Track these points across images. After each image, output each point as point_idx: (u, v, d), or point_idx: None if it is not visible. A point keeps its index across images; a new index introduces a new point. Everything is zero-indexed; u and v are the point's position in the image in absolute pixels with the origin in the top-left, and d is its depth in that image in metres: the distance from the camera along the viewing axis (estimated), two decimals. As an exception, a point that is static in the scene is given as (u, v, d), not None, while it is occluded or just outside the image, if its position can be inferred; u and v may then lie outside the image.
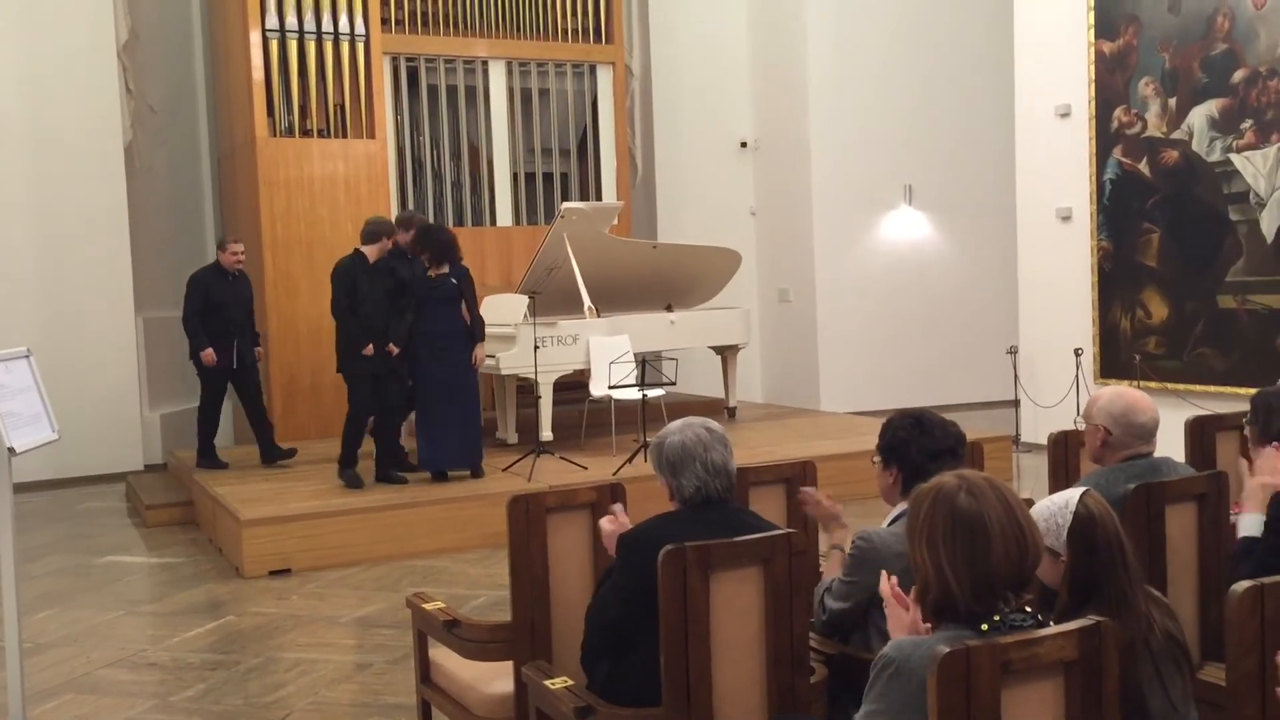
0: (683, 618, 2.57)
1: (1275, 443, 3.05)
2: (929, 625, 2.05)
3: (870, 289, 11.53)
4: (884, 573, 2.26)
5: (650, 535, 2.73)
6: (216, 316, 8.03)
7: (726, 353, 9.67)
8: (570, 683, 2.86)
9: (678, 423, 2.93)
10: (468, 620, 3.40)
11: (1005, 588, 1.97)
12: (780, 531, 2.75)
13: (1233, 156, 7.84)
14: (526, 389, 8.55)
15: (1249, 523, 2.88)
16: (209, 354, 8.04)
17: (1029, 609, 1.98)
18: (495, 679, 3.32)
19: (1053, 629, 1.93)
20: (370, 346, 7.09)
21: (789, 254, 11.80)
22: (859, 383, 11.30)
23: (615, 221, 9.43)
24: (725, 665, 2.65)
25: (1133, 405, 3.23)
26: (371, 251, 7.23)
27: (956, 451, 2.92)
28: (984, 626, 1.94)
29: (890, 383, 11.13)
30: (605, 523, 3.00)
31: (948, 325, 11.58)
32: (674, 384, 7.94)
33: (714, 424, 2.92)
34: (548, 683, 2.87)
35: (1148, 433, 3.23)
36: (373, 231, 7.31)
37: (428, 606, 3.52)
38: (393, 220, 7.90)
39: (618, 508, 3.06)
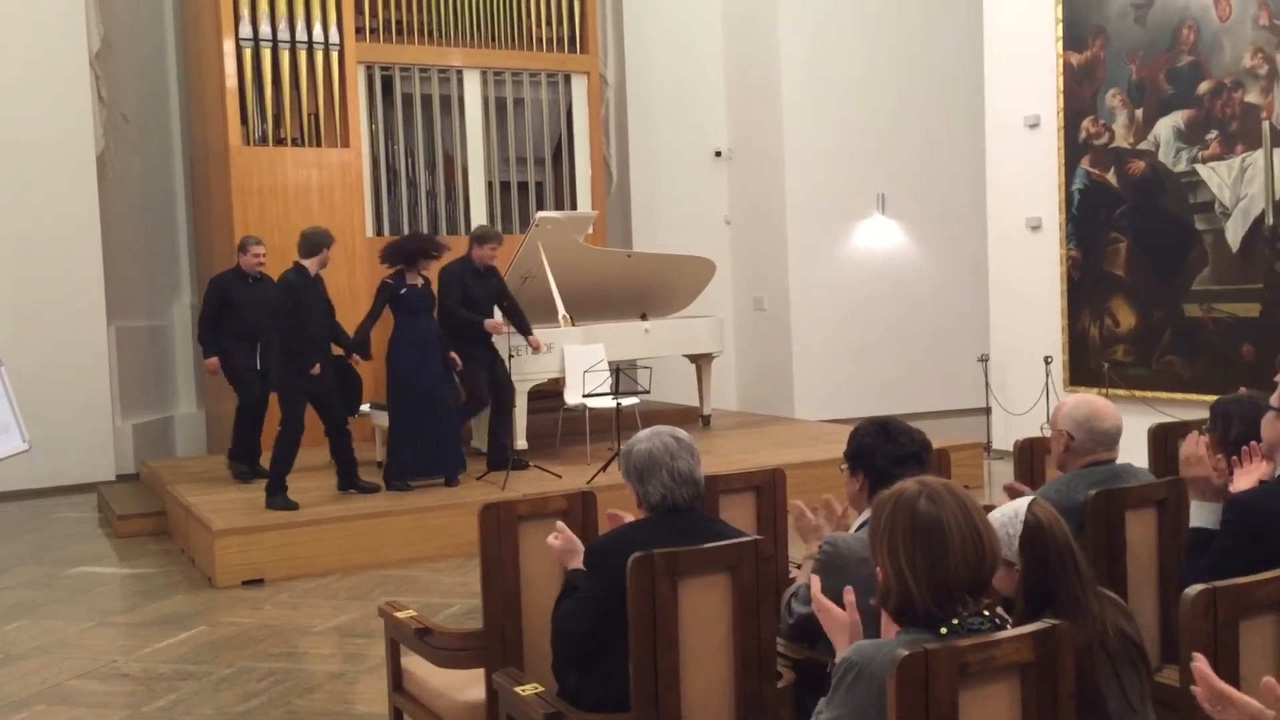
0: (651, 624, 2.61)
1: (1196, 431, 3.12)
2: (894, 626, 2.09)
3: (844, 297, 11.60)
4: (814, 578, 2.30)
5: (618, 543, 2.77)
6: (236, 320, 7.89)
7: (701, 361, 9.71)
8: (540, 689, 2.88)
9: (646, 431, 2.97)
10: (439, 628, 3.42)
11: (964, 591, 2.01)
12: (747, 538, 2.79)
13: (1198, 167, 7.96)
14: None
15: (1199, 513, 2.94)
16: (212, 363, 7.94)
17: (987, 613, 2.03)
18: (467, 687, 3.33)
19: (1009, 632, 1.98)
20: (318, 366, 6.83)
21: (763, 262, 11.86)
22: (833, 390, 11.37)
23: (590, 230, 9.47)
24: (693, 671, 2.68)
25: (1096, 412, 3.29)
26: (313, 265, 6.96)
27: (921, 458, 2.97)
28: (943, 630, 1.98)
29: (864, 390, 11.20)
30: (552, 540, 3.03)
31: (921, 333, 11.67)
32: (648, 392, 7.98)
33: (682, 433, 2.95)
34: (518, 689, 2.89)
35: (1110, 439, 3.29)
36: (313, 244, 6.99)
37: (400, 615, 3.54)
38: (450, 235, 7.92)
39: (560, 525, 3.09)
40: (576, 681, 2.86)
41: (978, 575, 2.01)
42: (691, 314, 9.90)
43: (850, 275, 11.65)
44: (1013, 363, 9.39)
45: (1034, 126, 9.09)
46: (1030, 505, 2.32)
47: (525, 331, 7.84)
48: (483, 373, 7.74)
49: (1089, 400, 3.38)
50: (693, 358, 9.72)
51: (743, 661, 2.73)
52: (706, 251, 10.13)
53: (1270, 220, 7.55)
